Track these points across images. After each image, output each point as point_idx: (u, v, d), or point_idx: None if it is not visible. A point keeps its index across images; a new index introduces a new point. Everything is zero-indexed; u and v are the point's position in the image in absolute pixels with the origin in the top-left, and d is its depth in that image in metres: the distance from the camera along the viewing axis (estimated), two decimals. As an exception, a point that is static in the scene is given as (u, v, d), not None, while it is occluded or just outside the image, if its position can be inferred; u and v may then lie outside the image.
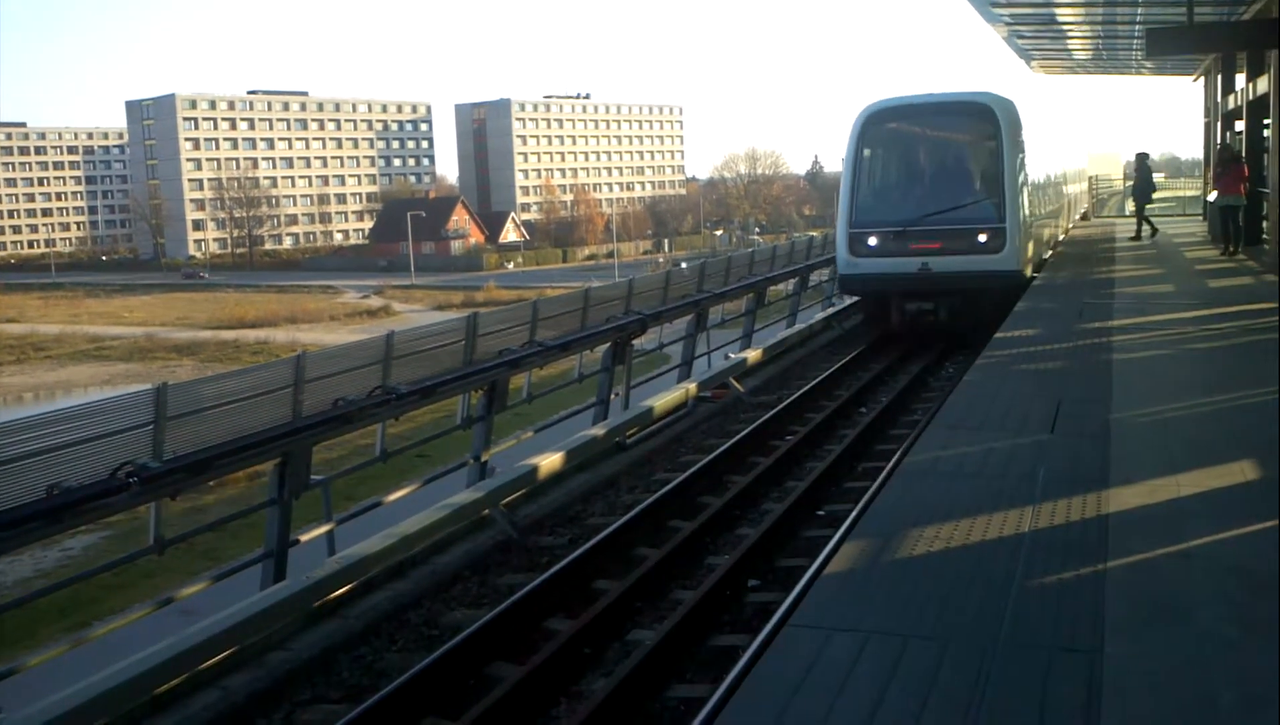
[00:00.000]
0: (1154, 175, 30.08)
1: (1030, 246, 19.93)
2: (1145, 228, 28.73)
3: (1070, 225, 32.30)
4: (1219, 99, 30.73)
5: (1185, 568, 5.87)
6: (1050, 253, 24.99)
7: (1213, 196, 24.95)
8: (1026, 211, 19.42)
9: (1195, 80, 37.62)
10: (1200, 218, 34.36)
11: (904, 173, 21.13)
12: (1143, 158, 29.42)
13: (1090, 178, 45.53)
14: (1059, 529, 6.50)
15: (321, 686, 8.21)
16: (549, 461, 12.28)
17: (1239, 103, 26.94)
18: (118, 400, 8.98)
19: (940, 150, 21.46)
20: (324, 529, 10.95)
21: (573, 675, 8.04)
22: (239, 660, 8.50)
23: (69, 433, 8.65)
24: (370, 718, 7.27)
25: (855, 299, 23.34)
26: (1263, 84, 22.92)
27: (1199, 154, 38.83)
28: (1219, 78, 30.77)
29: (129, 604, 19.69)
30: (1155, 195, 31.80)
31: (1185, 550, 6.10)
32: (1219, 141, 29.70)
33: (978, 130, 20.05)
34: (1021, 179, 19.18)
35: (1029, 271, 19.76)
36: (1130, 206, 30.48)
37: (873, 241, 19.31)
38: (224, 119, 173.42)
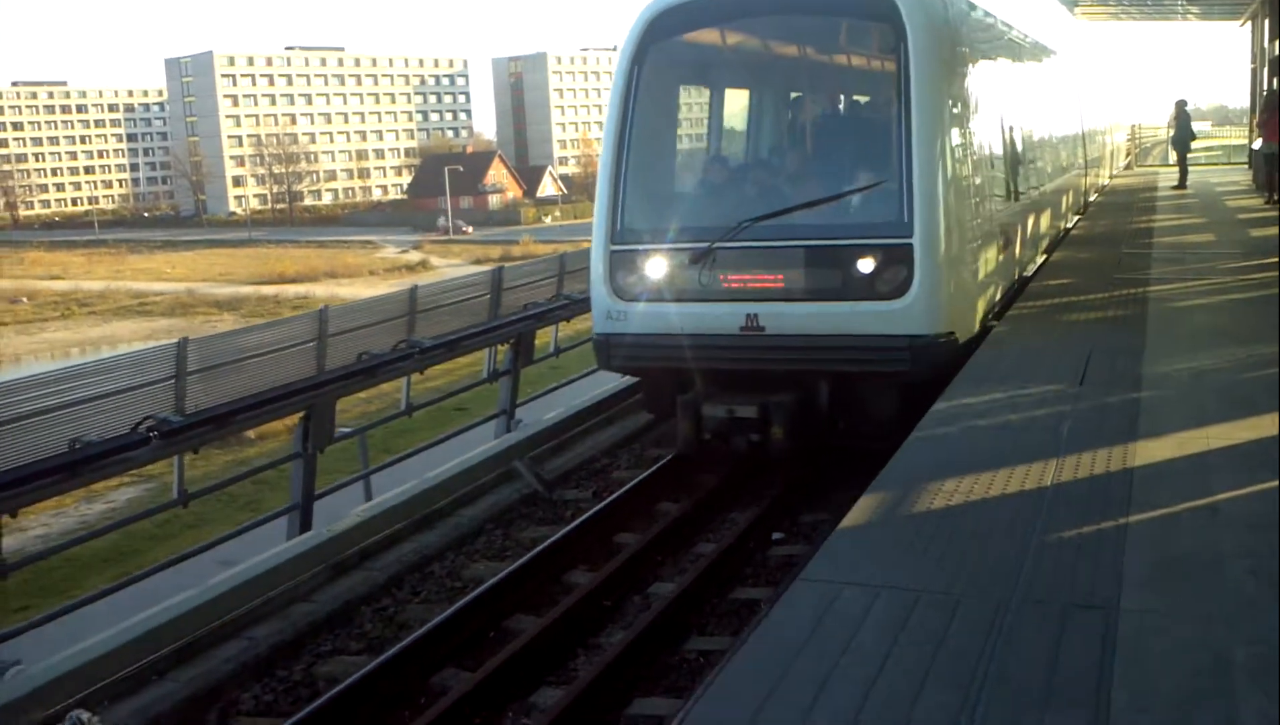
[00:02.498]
0: (1194, 124, 29.38)
1: (980, 271, 10.49)
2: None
3: (1112, 174, 31.57)
4: (1265, 44, 29.94)
5: (1210, 522, 5.72)
6: (1037, 263, 15.04)
7: (1258, 144, 24.37)
8: (974, 202, 10.27)
9: (1242, 25, 36.69)
10: (1245, 166, 33.63)
11: (716, 134, 12.11)
12: (1182, 105, 28.78)
13: (1134, 126, 44.72)
14: (1082, 483, 6.37)
15: (343, 638, 8.25)
16: (575, 415, 12.27)
17: (1287, 47, 26.23)
18: (140, 355, 9.05)
19: (788, 89, 12.50)
20: (345, 483, 11.03)
21: (592, 628, 8.04)
22: (264, 611, 8.57)
23: (92, 387, 8.72)
24: (389, 669, 7.30)
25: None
26: (1311, 27, 22.28)
27: (1246, 102, 37.94)
28: (1265, 22, 29.97)
29: (169, 555, 20.10)
30: (1195, 143, 31.17)
31: (1211, 504, 5.95)
32: (1265, 88, 28.98)
33: (863, 46, 11.34)
34: (961, 139, 10.02)
35: (972, 325, 10.16)
36: (1173, 156, 29.81)
37: (652, 272, 9.82)
38: (262, 75, 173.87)
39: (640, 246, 9.88)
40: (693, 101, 11.93)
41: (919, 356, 9.15)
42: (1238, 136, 46.36)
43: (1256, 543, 5.42)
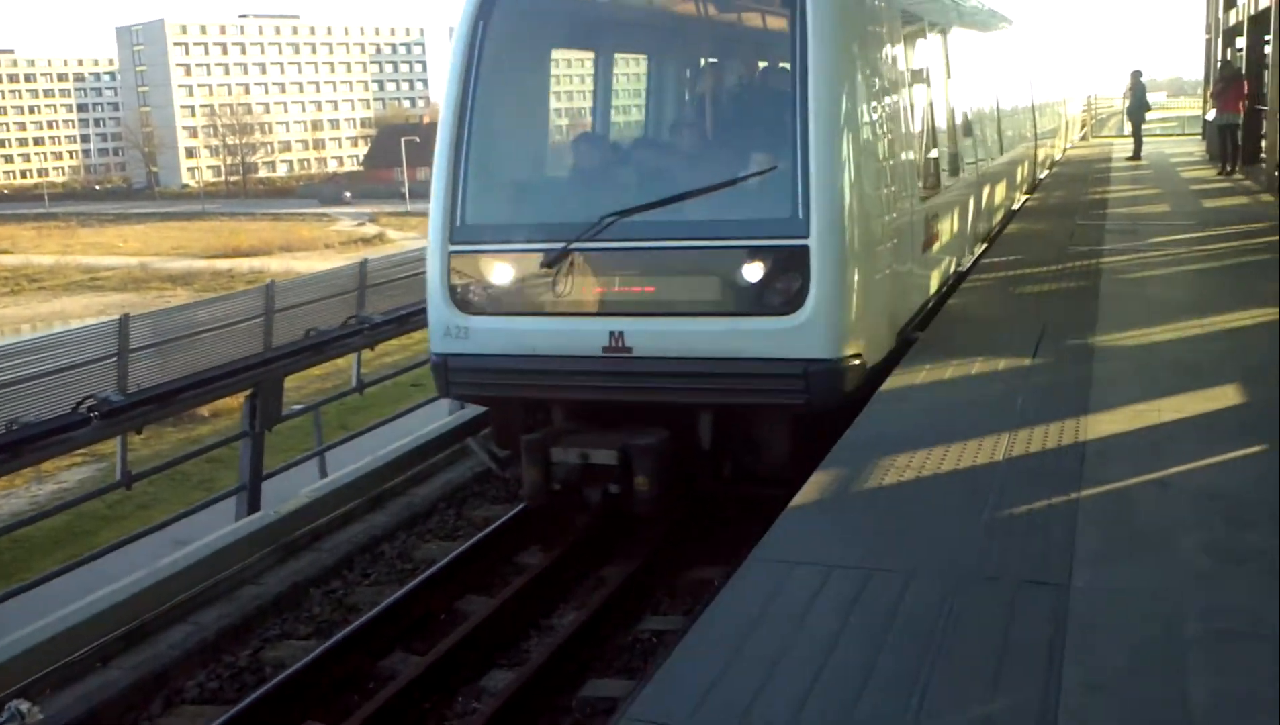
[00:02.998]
0: (1150, 95, 29.53)
1: (899, 275, 8.78)
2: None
3: (1067, 146, 31.68)
4: (1220, 15, 30.13)
5: (1161, 496, 5.71)
6: (975, 254, 13.29)
7: (1211, 115, 24.53)
8: (891, 190, 8.57)
9: (1197, -5, 36.85)
10: (1200, 137, 33.89)
11: (578, 109, 10.94)
12: (1137, 75, 28.90)
13: (1090, 97, 44.97)
14: (1034, 457, 6.34)
15: (291, 622, 8.13)
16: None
17: (1240, 18, 26.40)
18: (80, 332, 8.86)
19: (662, 54, 11.08)
20: (298, 461, 10.87)
21: (544, 609, 7.95)
22: (212, 594, 8.43)
23: (32, 366, 8.51)
24: (337, 653, 7.18)
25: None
26: (1264, -2, 22.40)
27: (1201, 73, 38.21)
28: (1220, -8, 30.15)
29: (121, 536, 19.85)
30: (1151, 114, 31.37)
31: (1163, 478, 5.93)
32: (1220, 59, 29.17)
33: (753, 5, 10.12)
34: (875, 113, 8.33)
35: (886, 342, 8.53)
36: (1128, 127, 29.97)
37: (498, 278, 8.27)
38: (215, 44, 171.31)
39: (484, 246, 8.20)
40: (549, 69, 9.68)
41: (817, 386, 7.53)
42: (1192, 107, 46.73)
43: (1207, 516, 5.41)
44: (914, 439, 6.68)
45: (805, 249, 7.50)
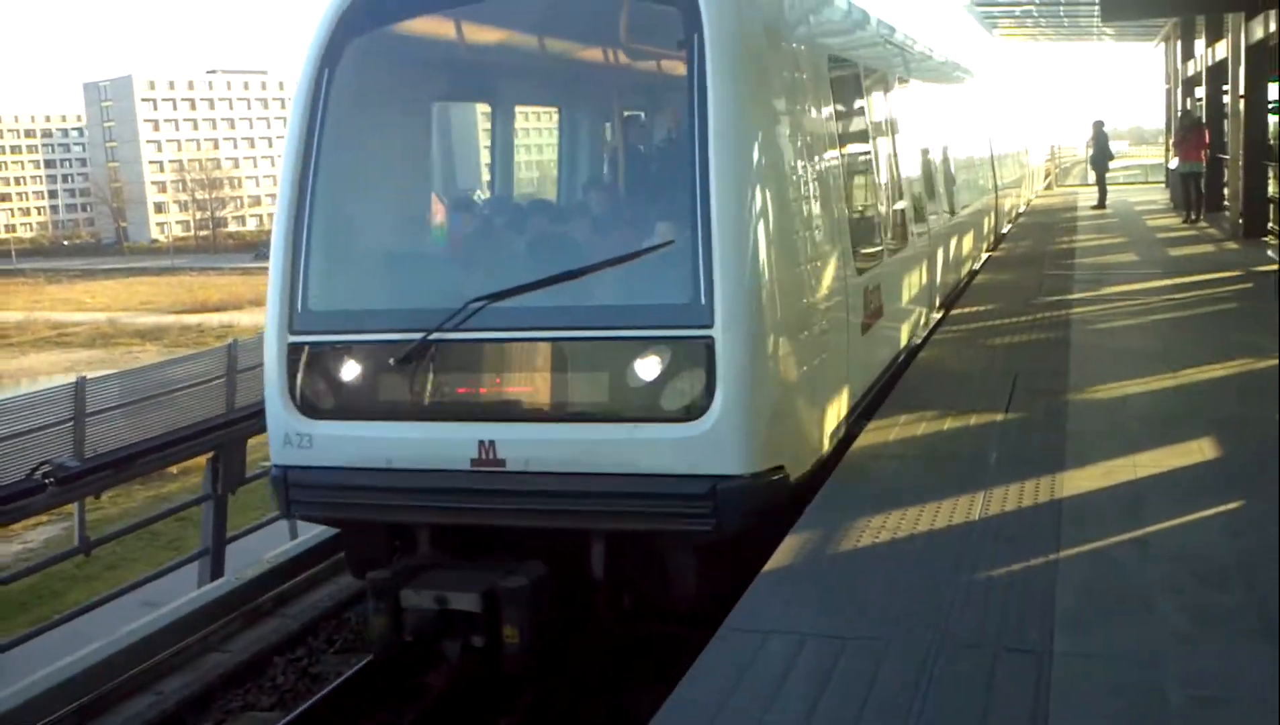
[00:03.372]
0: (1112, 144, 29.88)
1: (829, 366, 7.38)
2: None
3: (1031, 197, 31.92)
4: (1179, 65, 30.60)
5: (1140, 556, 5.62)
6: (928, 327, 11.79)
7: (1174, 163, 24.81)
8: (816, 265, 7.25)
9: (1156, 46, 37.50)
10: (1162, 185, 34.29)
11: (440, 170, 9.04)
12: (1100, 125, 29.25)
13: (1053, 146, 45.52)
14: (1010, 516, 6.25)
15: (254, 692, 7.91)
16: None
17: (1199, 69, 26.82)
18: (35, 396, 8.67)
19: (541, 103, 10.10)
20: (264, 523, 10.66)
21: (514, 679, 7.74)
22: (175, 663, 8.20)
23: (-15, 432, 8.31)
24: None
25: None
26: (1222, 49, 22.75)
27: (1162, 122, 38.74)
28: (1178, 44, 30.63)
29: (91, 597, 19.52)
30: (1114, 163, 31.74)
31: (1141, 538, 5.85)
32: (1180, 108, 29.58)
33: (643, 40, 7.92)
34: (797, 175, 7.06)
35: (815, 448, 7.10)
36: (1092, 175, 30.28)
37: (346, 375, 6.85)
38: (183, 99, 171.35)
39: (329, 336, 6.77)
40: (408, 123, 8.23)
41: (727, 507, 6.11)
42: (1154, 155, 47.37)
43: (1186, 577, 5.32)
44: (888, 498, 6.58)
45: (709, 341, 6.13)
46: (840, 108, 8.17)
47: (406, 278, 7.36)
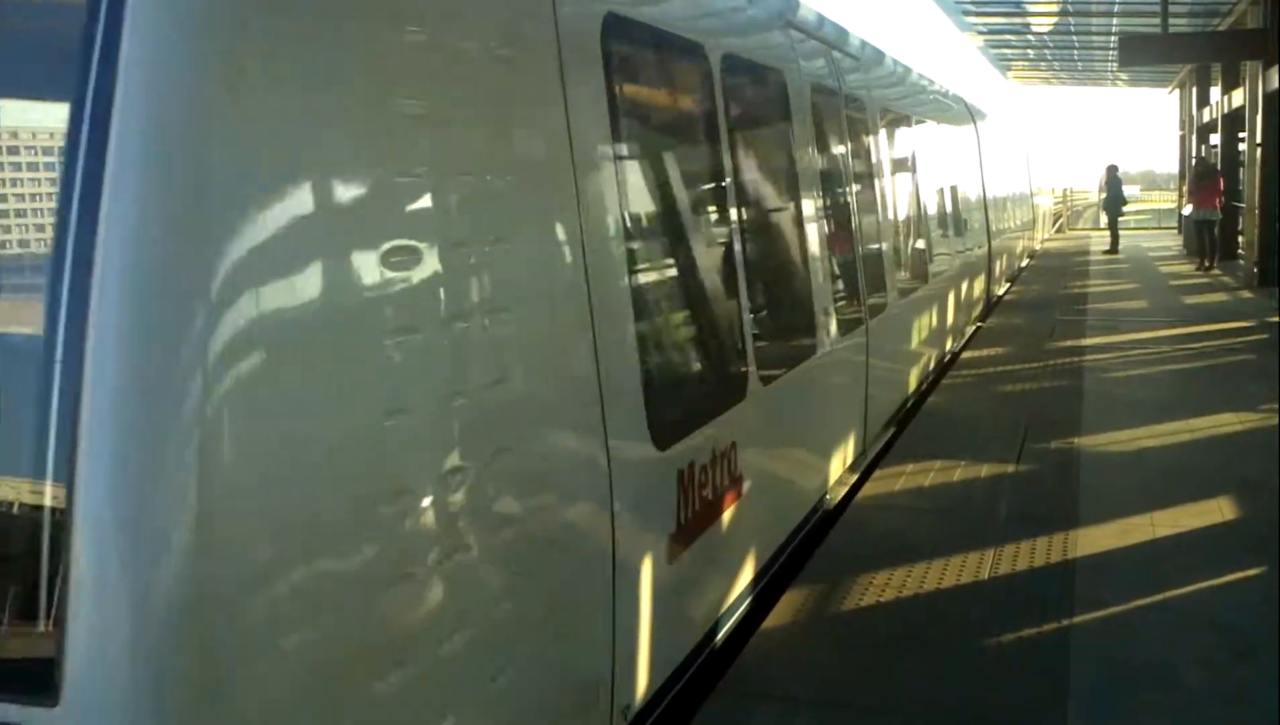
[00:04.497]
0: (1125, 188, 29.62)
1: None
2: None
3: (1040, 241, 31.59)
4: (1194, 112, 30.37)
5: (1161, 623, 5.26)
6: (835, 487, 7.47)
7: (1188, 210, 24.53)
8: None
9: (1171, 92, 37.32)
10: (1175, 231, 34.00)
11: None
12: (1113, 170, 29.00)
13: (1065, 190, 45.35)
14: (1021, 575, 5.89)
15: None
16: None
17: (1214, 116, 26.59)
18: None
19: None
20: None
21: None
22: None
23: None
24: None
25: None
26: (1238, 96, 22.52)
27: (1175, 168, 38.49)
28: (1194, 91, 30.42)
29: None
30: (1127, 208, 31.48)
31: (1161, 602, 5.50)
32: (1194, 155, 29.33)
33: None
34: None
35: None
36: (1104, 220, 30.00)
37: None
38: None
39: None
40: None
41: None
42: (1166, 201, 47.11)
43: (1211, 648, 4.96)
44: (892, 554, 6.23)
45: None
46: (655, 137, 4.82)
47: None
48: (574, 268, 3.66)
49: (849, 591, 5.70)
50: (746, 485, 5.22)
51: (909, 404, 10.13)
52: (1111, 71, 33.43)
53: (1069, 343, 13.41)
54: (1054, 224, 39.56)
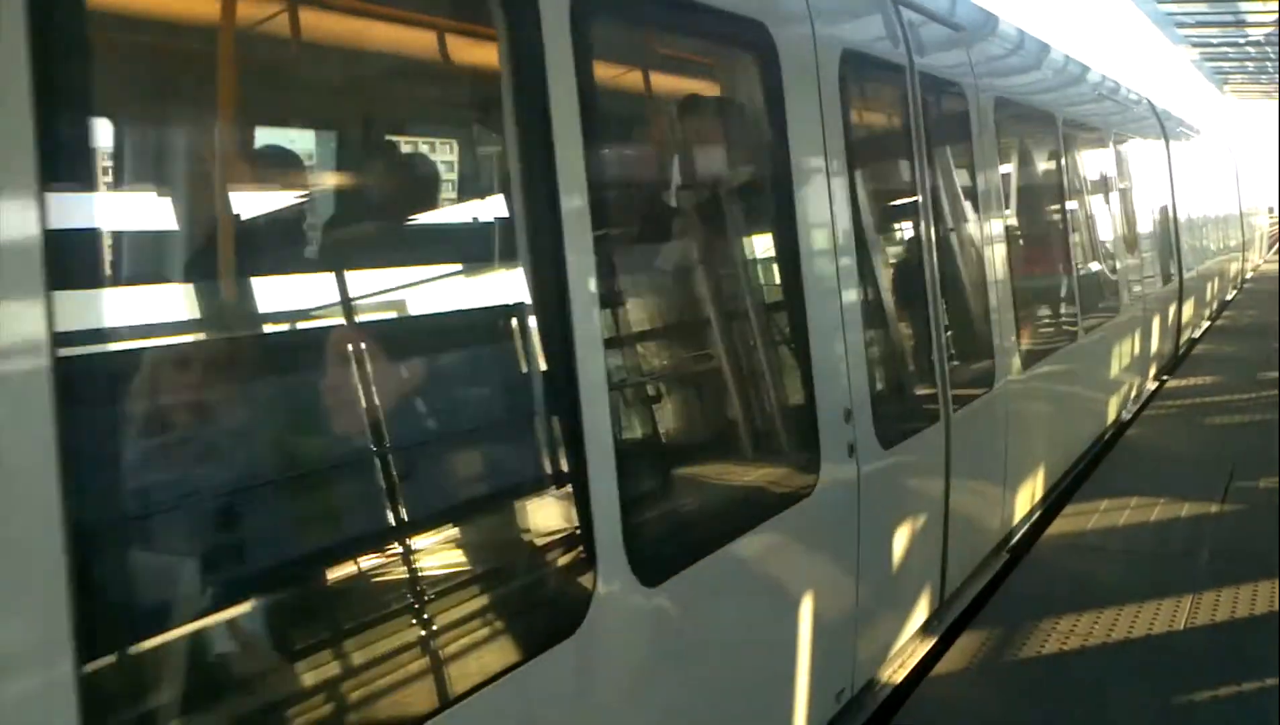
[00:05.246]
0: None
1: None
2: None
3: (1260, 262, 29.74)
4: None
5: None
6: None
7: None
8: None
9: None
10: None
11: None
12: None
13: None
14: (1222, 628, 5.48)
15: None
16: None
17: None
18: None
19: None
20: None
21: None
22: None
23: None
24: None
25: None
26: None
27: None
28: None
29: None
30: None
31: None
32: None
33: None
34: None
35: None
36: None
37: None
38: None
39: None
40: None
41: None
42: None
43: None
44: (1081, 596, 5.89)
45: None
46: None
47: None
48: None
49: (1029, 637, 5.40)
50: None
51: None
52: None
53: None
54: (1271, 246, 37.27)
